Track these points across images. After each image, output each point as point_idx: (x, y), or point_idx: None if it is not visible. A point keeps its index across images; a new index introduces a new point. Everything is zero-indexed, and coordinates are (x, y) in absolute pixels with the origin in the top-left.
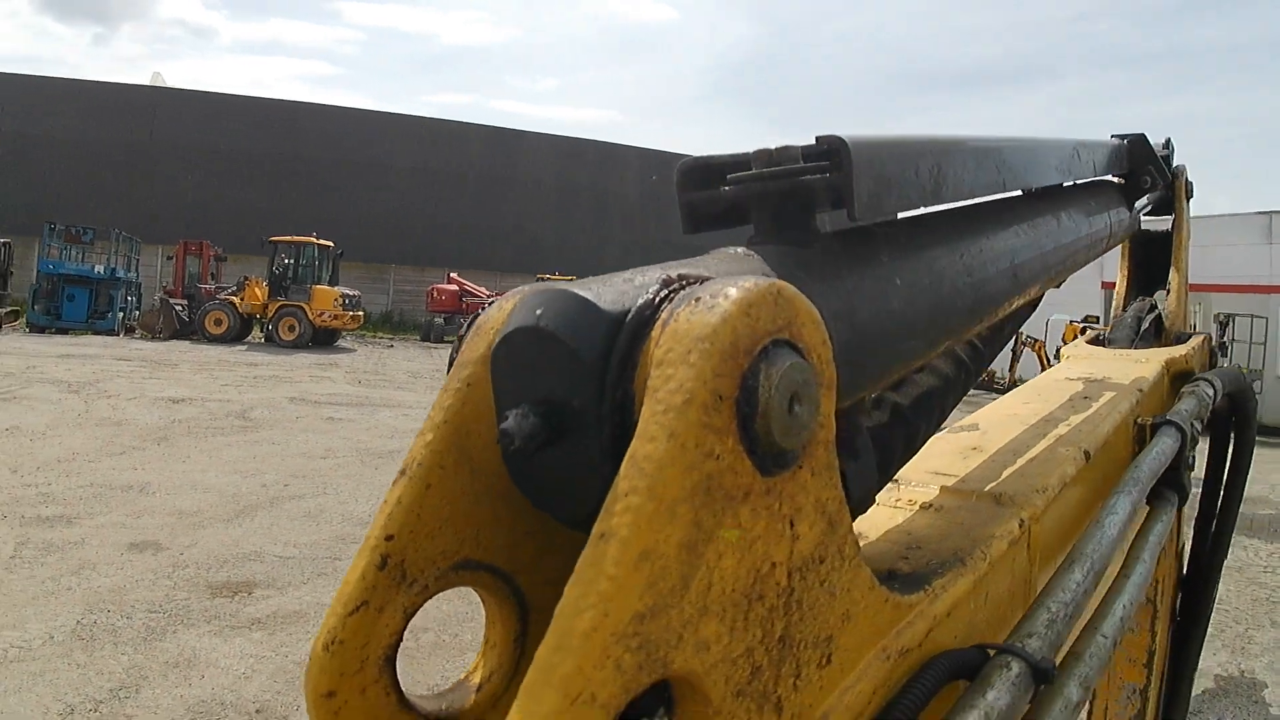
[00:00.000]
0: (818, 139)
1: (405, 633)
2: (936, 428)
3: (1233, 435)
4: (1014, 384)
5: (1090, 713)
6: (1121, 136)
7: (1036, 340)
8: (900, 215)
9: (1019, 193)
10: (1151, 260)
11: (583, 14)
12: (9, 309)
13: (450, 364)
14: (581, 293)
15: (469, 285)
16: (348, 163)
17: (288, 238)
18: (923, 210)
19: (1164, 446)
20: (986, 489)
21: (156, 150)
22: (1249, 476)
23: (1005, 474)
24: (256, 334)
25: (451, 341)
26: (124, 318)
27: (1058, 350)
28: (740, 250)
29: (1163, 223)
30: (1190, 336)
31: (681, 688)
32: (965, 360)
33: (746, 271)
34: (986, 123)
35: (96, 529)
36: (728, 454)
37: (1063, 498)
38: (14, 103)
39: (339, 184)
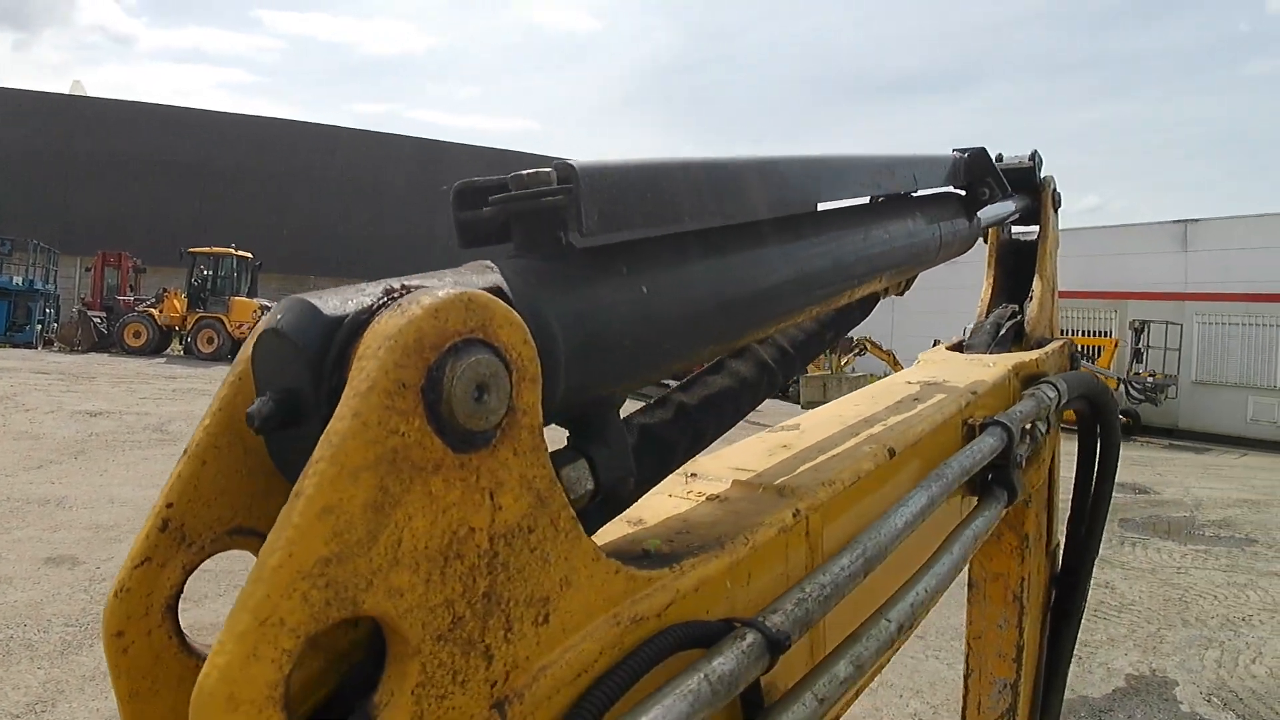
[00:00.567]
0: (554, 165)
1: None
2: (729, 425)
3: (1098, 438)
4: None
5: (964, 707)
6: (962, 151)
7: None
8: (669, 231)
9: (826, 207)
10: (1021, 268)
11: (505, 23)
12: None
13: None
14: (314, 300)
15: None
16: (268, 173)
17: (206, 249)
18: (694, 227)
19: (984, 445)
20: (776, 482)
21: (75, 160)
22: (1116, 477)
23: (800, 469)
24: (176, 346)
25: None
26: (42, 330)
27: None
28: (487, 263)
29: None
30: (1050, 341)
31: (386, 629)
32: (769, 363)
33: (477, 282)
34: (908, 129)
35: (13, 543)
36: (414, 432)
37: (865, 492)
38: None
39: (259, 194)
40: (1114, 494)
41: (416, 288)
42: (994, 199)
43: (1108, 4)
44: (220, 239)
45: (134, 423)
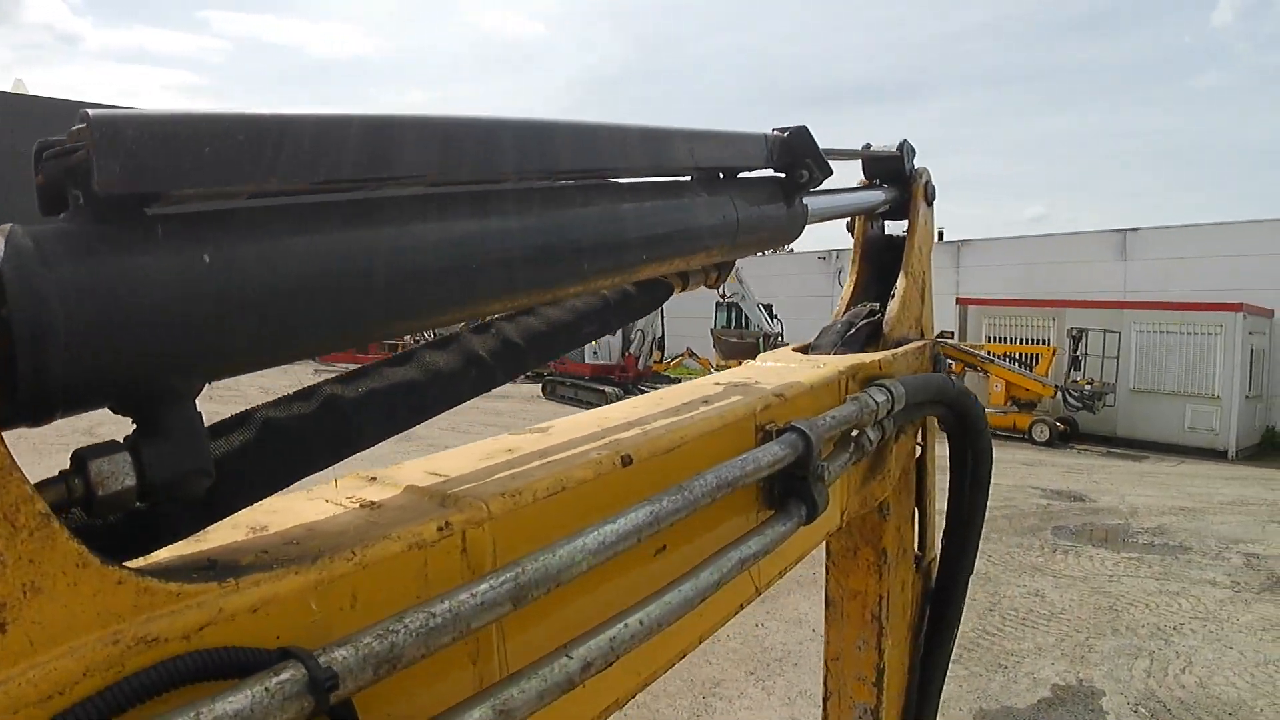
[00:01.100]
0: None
1: None
2: (407, 424)
3: (967, 446)
4: None
5: None
6: (782, 130)
7: None
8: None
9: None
10: (895, 266)
11: (452, 27)
12: None
13: None
14: None
15: None
16: None
17: None
18: (293, 189)
19: (765, 454)
20: (451, 491)
21: (16, 160)
22: (990, 487)
23: (497, 476)
24: None
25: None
26: None
27: None
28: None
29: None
30: (910, 341)
31: None
32: (482, 356)
33: None
34: (858, 139)
35: None
36: None
37: (579, 504)
38: None
39: None
40: (1050, 502)
41: None
42: (814, 181)
43: (1055, 17)
44: None
45: (64, 426)
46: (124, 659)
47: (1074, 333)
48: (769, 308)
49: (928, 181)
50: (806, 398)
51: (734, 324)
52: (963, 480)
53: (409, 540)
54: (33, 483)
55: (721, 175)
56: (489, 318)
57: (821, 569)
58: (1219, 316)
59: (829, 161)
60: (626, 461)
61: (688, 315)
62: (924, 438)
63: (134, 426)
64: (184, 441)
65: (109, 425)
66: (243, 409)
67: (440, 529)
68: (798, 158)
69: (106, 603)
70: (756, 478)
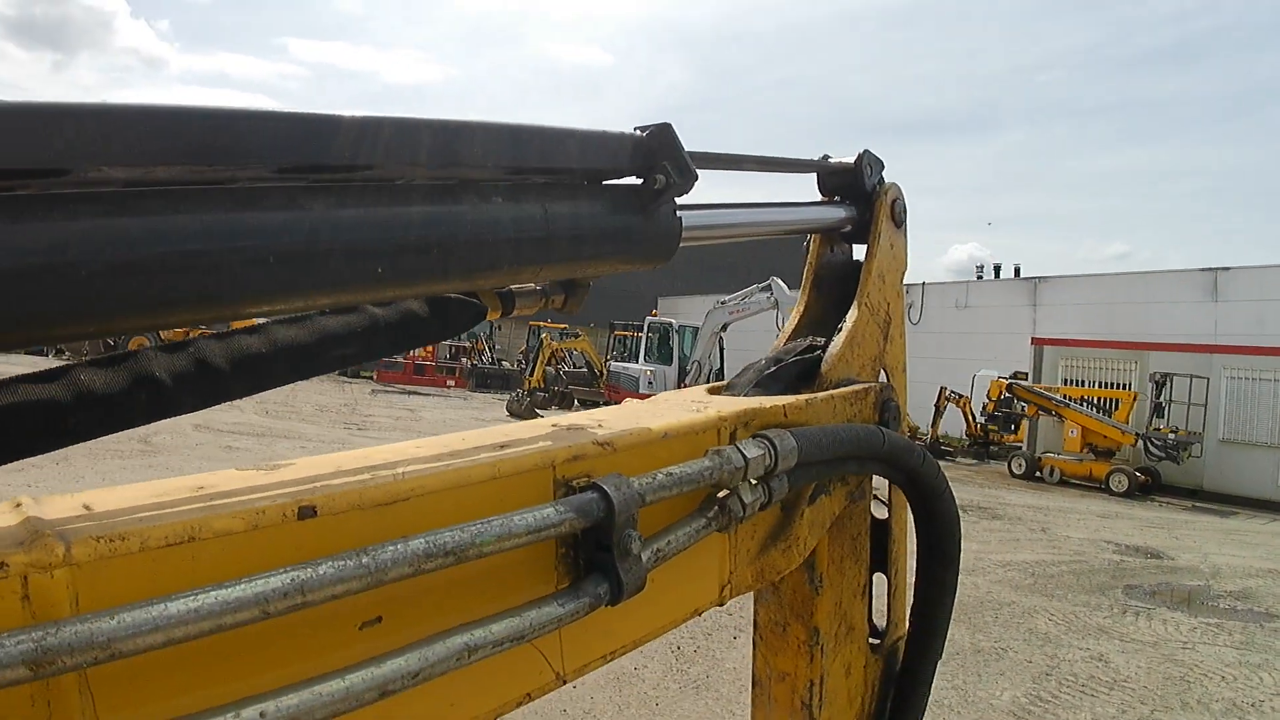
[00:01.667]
0: None
1: None
2: (31, 451)
3: (925, 509)
4: (937, 440)
5: None
6: (644, 128)
7: (961, 396)
8: None
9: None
10: (851, 295)
11: (520, 55)
12: None
13: None
14: None
15: None
16: None
17: None
18: None
19: (526, 518)
20: (50, 530)
21: None
22: (959, 558)
23: (125, 518)
24: None
25: (368, 377)
26: None
27: (984, 407)
28: None
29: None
30: (851, 384)
31: None
32: (161, 379)
33: None
34: (927, 173)
35: None
36: None
37: (213, 562)
38: None
39: None
40: (1124, 558)
41: None
42: (672, 188)
43: (1135, 47)
44: None
45: (121, 434)
46: None
47: (1157, 377)
48: None
49: (896, 199)
50: (653, 448)
51: None
52: (924, 552)
53: None
54: None
55: (586, 182)
56: (201, 329)
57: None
58: None
59: (692, 165)
60: (307, 514)
61: (746, 348)
62: (891, 497)
63: None
64: None
65: (164, 435)
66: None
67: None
68: (655, 160)
69: None
70: (508, 546)
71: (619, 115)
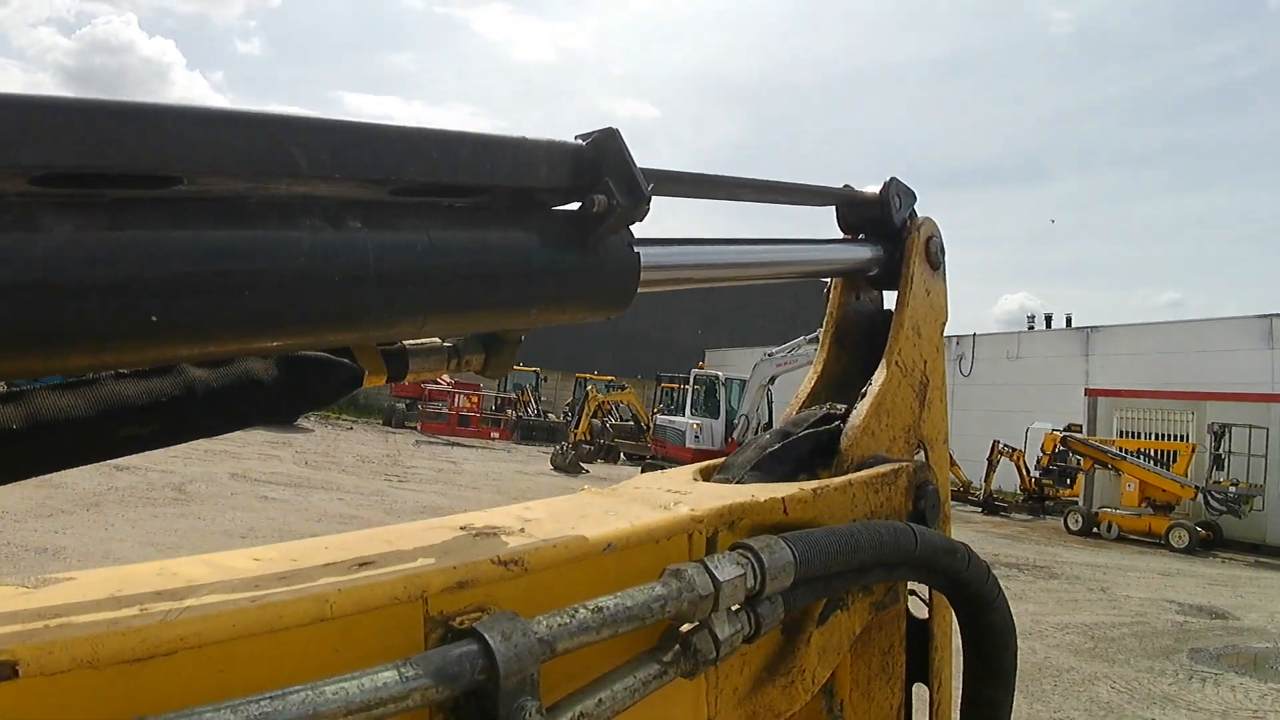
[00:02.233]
0: None
1: None
2: None
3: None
4: (990, 495)
5: None
6: (585, 136)
7: (1015, 450)
8: None
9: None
10: (880, 351)
11: (574, 109)
12: None
13: None
14: None
15: None
16: None
17: None
18: None
19: (349, 688)
20: None
21: None
22: (1014, 674)
23: None
24: None
25: (412, 427)
26: None
27: (1038, 461)
28: None
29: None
30: (879, 463)
31: None
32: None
33: None
34: (977, 224)
35: None
36: None
37: None
38: None
39: None
40: (1187, 619)
41: None
42: (615, 213)
43: (1183, 92)
44: None
45: (156, 480)
46: None
47: (1216, 428)
48: None
49: (931, 237)
50: (586, 567)
51: None
52: (972, 667)
53: None
54: None
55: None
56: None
57: None
58: None
59: (643, 184)
60: (7, 674)
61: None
62: (931, 594)
63: None
64: None
65: (199, 485)
66: None
67: None
68: (597, 177)
69: None
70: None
71: (670, 165)
